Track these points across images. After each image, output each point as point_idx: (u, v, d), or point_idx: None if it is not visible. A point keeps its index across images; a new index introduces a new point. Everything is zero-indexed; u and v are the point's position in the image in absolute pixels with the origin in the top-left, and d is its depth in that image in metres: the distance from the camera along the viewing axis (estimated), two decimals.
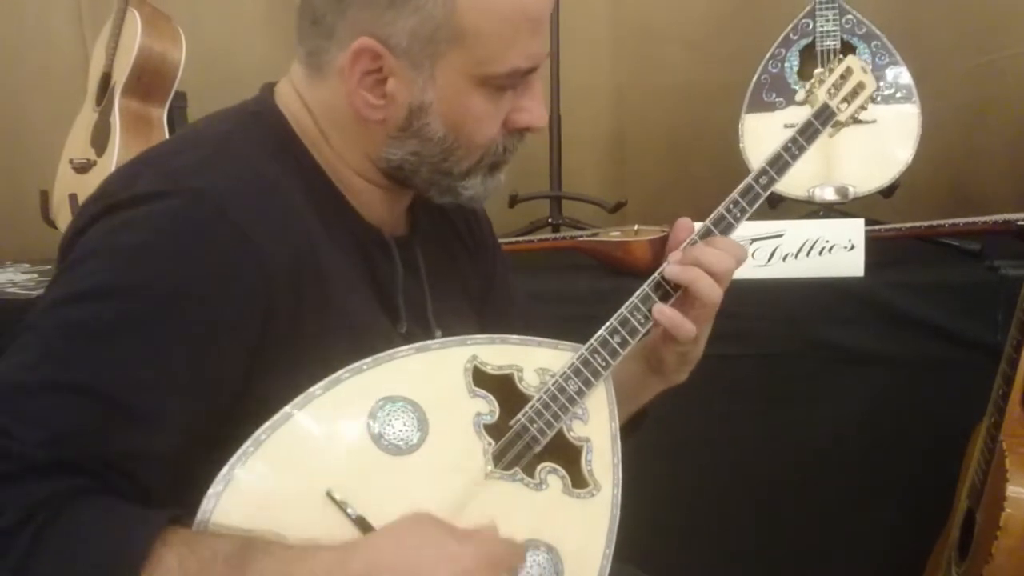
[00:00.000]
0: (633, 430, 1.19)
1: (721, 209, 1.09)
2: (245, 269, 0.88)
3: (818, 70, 1.34)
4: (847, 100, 1.18)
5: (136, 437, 0.83)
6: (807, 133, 1.13)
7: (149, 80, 2.03)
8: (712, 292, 1.05)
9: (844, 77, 1.18)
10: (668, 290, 1.06)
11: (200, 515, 0.83)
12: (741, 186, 1.10)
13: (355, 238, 1.00)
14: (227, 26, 2.45)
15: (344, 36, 0.94)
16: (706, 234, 1.08)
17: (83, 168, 2.09)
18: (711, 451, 1.79)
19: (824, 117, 1.15)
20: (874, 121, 1.92)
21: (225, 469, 0.84)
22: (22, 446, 0.79)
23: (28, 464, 0.79)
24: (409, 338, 1.02)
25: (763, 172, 1.11)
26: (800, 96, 1.21)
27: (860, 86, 1.18)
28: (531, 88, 0.99)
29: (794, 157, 1.12)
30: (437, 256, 1.11)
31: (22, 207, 2.38)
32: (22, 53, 2.56)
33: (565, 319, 1.24)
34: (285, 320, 0.90)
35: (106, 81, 2.10)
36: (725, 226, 1.09)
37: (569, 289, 1.85)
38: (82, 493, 0.80)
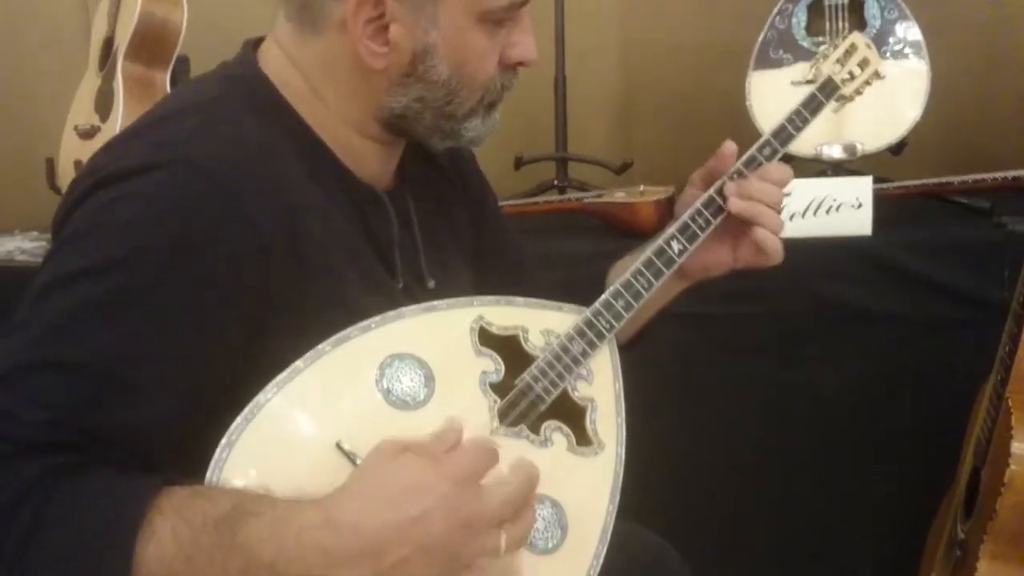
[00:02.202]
0: (639, 341, 1.21)
1: (725, 178, 1.11)
2: (239, 237, 0.88)
3: (823, 46, 1.35)
4: (851, 75, 1.19)
5: (137, 411, 0.84)
6: (811, 106, 1.15)
7: (151, 44, 2.02)
8: (775, 221, 1.09)
9: (849, 53, 1.19)
10: (696, 230, 1.09)
11: (212, 466, 0.84)
12: (744, 157, 1.12)
13: (349, 196, 1.00)
14: None
15: None
16: (710, 202, 1.10)
17: (88, 134, 2.09)
18: (718, 409, 1.80)
19: (828, 90, 1.17)
20: (883, 78, 1.89)
21: (238, 420, 0.85)
22: (22, 428, 0.80)
23: (26, 445, 0.80)
24: (406, 293, 1.03)
25: (766, 144, 1.12)
26: (809, 73, 1.23)
27: (864, 62, 1.19)
28: (521, 23, 1.00)
29: (798, 129, 1.14)
30: (428, 205, 1.11)
31: (28, 175, 2.38)
32: (25, 21, 2.55)
33: (570, 281, 1.25)
34: (285, 285, 0.91)
35: (108, 46, 2.09)
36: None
37: (575, 251, 1.84)
38: (79, 467, 0.80)
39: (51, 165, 2.21)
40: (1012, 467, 1.43)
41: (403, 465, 0.84)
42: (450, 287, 1.08)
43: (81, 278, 0.85)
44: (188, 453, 0.86)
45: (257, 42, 1.04)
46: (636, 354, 1.18)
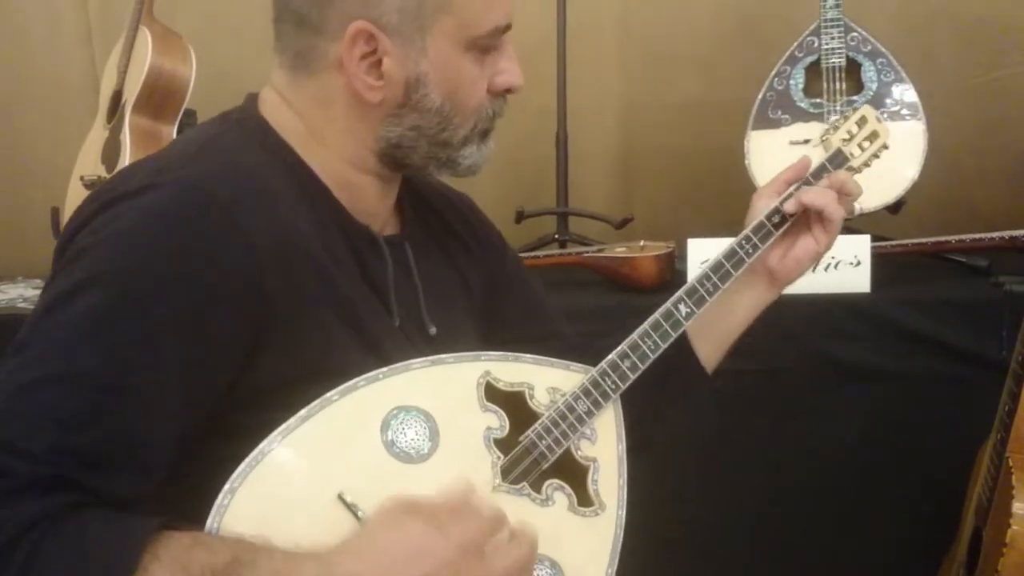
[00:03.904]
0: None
1: (733, 245, 1.13)
2: (234, 252, 0.90)
3: (834, 117, 1.38)
4: (861, 148, 1.21)
5: (135, 420, 0.84)
6: (820, 177, 1.17)
7: (159, 98, 2.05)
8: (838, 211, 1.14)
9: (859, 125, 1.21)
10: (703, 294, 1.10)
11: (214, 513, 0.84)
12: (753, 225, 1.14)
13: (345, 235, 1.02)
14: (236, 44, 2.47)
15: (335, 27, 0.97)
16: (718, 267, 1.12)
17: (93, 185, 2.10)
18: (715, 466, 1.79)
19: (837, 162, 1.19)
20: (888, 148, 1.92)
21: (241, 467, 0.86)
22: (24, 463, 0.80)
23: (28, 481, 0.80)
24: (403, 331, 1.04)
25: (775, 211, 1.15)
26: (811, 131, 1.26)
27: (874, 135, 1.21)
28: (506, 50, 1.04)
29: None
30: (430, 255, 1.13)
31: (32, 223, 2.39)
32: (31, 72, 2.59)
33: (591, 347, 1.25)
34: (280, 302, 0.92)
35: (117, 99, 2.12)
36: (736, 262, 1.12)
37: (575, 305, 1.84)
38: (78, 509, 0.80)
39: (56, 214, 2.22)
40: (1014, 527, 1.42)
41: (408, 528, 0.84)
42: (454, 337, 1.09)
43: (77, 293, 0.86)
44: (185, 476, 0.87)
45: (257, 94, 1.07)
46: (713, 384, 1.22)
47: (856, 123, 1.21)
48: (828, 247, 1.18)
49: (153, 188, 0.91)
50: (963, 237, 1.90)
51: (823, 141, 1.23)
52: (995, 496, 1.49)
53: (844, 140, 1.20)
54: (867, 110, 1.23)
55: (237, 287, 0.89)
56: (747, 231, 1.14)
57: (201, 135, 1.02)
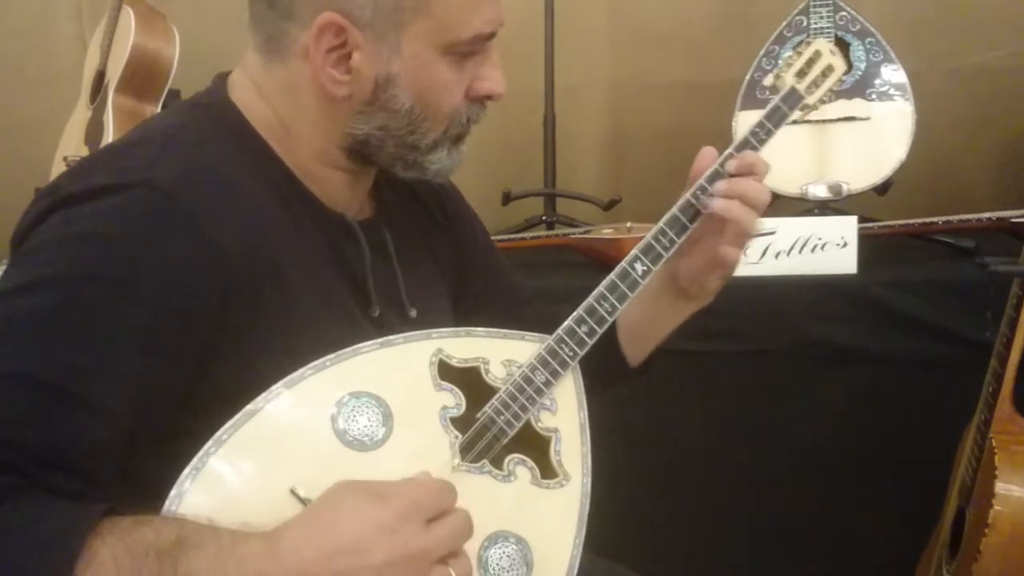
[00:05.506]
0: (648, 366, 1.21)
1: (688, 197, 1.08)
2: (196, 258, 0.87)
3: (787, 54, 1.35)
4: (815, 84, 1.16)
5: (80, 426, 0.82)
6: (774, 117, 1.12)
7: (143, 78, 2.04)
8: (751, 218, 1.07)
9: (812, 60, 1.16)
10: (660, 251, 1.06)
11: (164, 513, 0.82)
12: (708, 172, 1.09)
13: (318, 225, 1.00)
14: (221, 24, 2.44)
15: (305, 14, 0.94)
16: (673, 222, 1.07)
17: None
18: (700, 447, 1.79)
19: (792, 100, 1.14)
20: (868, 118, 1.92)
21: (187, 470, 0.84)
22: None
23: None
24: (381, 321, 1.02)
25: (729, 156, 1.09)
26: (768, 81, 1.20)
27: (828, 69, 1.16)
28: (490, 56, 1.00)
29: (761, 141, 1.11)
30: (407, 235, 1.11)
31: (18, 204, 2.37)
32: (21, 51, 2.57)
33: (556, 316, 1.25)
34: (242, 309, 0.90)
35: (100, 78, 2.10)
36: (693, 214, 1.08)
37: (561, 287, 1.84)
38: (15, 491, 0.78)
39: None
40: (996, 508, 1.43)
41: (350, 496, 0.83)
42: (434, 317, 1.08)
43: (30, 291, 0.84)
44: (135, 479, 0.85)
45: (227, 74, 1.04)
46: (644, 381, 1.19)
47: (809, 59, 1.16)
48: (734, 264, 1.10)
49: (113, 191, 0.87)
50: (950, 218, 1.90)
51: (776, 79, 1.16)
52: (978, 476, 1.50)
53: (797, 78, 1.15)
54: (820, 43, 1.17)
55: (198, 298, 0.87)
56: (701, 181, 1.08)
57: (165, 125, 0.98)
